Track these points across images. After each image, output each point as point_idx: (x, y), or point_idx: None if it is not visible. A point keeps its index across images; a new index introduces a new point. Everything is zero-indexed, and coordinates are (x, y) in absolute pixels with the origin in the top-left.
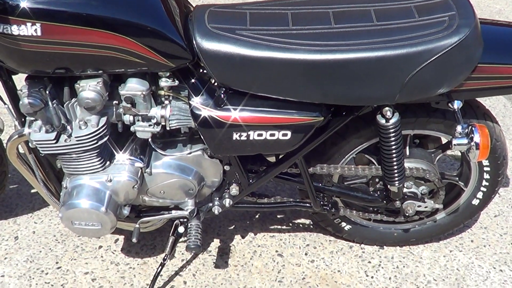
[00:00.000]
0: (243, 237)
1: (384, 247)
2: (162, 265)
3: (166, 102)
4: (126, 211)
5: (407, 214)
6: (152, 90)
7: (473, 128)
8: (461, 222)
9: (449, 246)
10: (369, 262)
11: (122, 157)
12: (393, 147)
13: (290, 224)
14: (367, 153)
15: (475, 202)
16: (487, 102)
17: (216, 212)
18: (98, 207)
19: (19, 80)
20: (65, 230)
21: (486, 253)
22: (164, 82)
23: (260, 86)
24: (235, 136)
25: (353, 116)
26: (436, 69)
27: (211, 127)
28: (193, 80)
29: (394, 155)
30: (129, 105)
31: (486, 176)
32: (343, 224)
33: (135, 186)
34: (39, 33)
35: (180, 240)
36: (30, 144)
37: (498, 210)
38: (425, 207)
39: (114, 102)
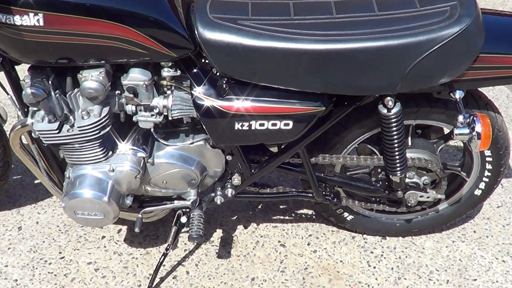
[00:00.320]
0: (245, 227)
1: (387, 237)
2: (165, 255)
3: (168, 92)
4: (128, 201)
5: (409, 205)
6: (154, 80)
7: (474, 118)
8: (463, 213)
9: (452, 236)
10: (372, 252)
11: (125, 147)
12: (395, 137)
13: (293, 215)
14: (369, 143)
15: (478, 192)
16: (490, 93)
17: (218, 202)
18: (100, 197)
19: (23, 71)
20: (68, 221)
21: (488, 243)
22: (166, 72)
23: (262, 76)
24: (237, 126)
25: (355, 106)
26: (438, 59)
27: (213, 117)
28: (195, 70)
29: (396, 145)
30: (131, 95)
31: (488, 166)
32: (346, 214)
33: (138, 176)
34: (41, 23)
35: (183, 230)
36: (33, 134)
37: (500, 200)
38: (427, 197)
39: (117, 92)
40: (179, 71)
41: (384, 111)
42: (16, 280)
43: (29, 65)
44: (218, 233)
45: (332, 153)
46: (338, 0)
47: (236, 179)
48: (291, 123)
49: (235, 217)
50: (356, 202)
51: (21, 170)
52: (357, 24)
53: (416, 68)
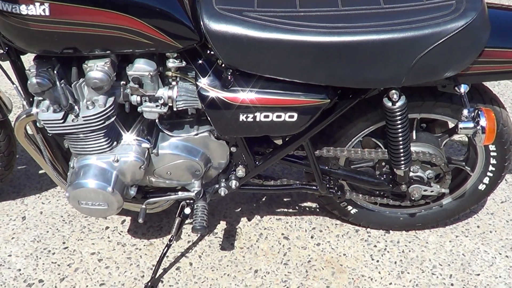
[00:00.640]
0: (249, 219)
1: (390, 231)
2: (168, 246)
3: (173, 83)
4: (132, 191)
5: (413, 198)
6: (159, 71)
7: (479, 112)
8: (467, 207)
9: (455, 231)
10: (375, 246)
11: (129, 138)
12: (400, 130)
13: (297, 207)
14: (374, 137)
15: (482, 187)
16: (495, 88)
17: (222, 193)
18: (105, 187)
19: (28, 61)
20: (72, 211)
21: (492, 238)
22: (172, 63)
23: (267, 67)
24: (242, 117)
25: (359, 98)
26: (443, 52)
27: (218, 108)
28: (200, 61)
29: (400, 138)
30: (136, 86)
31: (493, 161)
32: (349, 207)
33: (142, 166)
34: (47, 13)
35: (186, 221)
36: (37, 124)
37: (505, 196)
38: (431, 191)
39: (122, 82)
40: (184, 62)
41: (389, 104)
42: (20, 270)
43: (35, 54)
44: (221, 225)
45: (336, 146)
46: None
47: (240, 171)
48: (295, 115)
49: (238, 209)
50: (360, 195)
51: (25, 160)
52: (362, 16)
53: (421, 61)
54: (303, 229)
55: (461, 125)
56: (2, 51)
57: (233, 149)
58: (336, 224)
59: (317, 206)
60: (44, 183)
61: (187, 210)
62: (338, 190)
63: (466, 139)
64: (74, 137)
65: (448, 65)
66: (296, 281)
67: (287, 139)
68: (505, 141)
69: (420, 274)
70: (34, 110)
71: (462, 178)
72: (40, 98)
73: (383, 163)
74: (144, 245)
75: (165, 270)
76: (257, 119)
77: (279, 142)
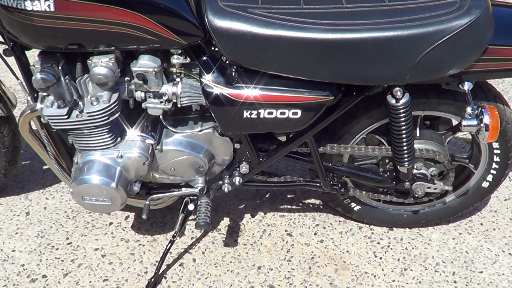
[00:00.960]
0: (253, 216)
1: (393, 228)
2: (172, 242)
3: (178, 79)
4: (136, 187)
5: (416, 196)
6: (163, 67)
7: (483, 110)
8: (470, 205)
9: (459, 228)
10: (378, 243)
11: (133, 134)
12: (403, 127)
13: (300, 204)
14: (377, 134)
15: (485, 185)
16: (499, 86)
17: (226, 190)
18: (108, 183)
19: (33, 57)
20: (76, 207)
21: (495, 236)
22: (176, 60)
23: (271, 64)
24: (246, 114)
25: (363, 95)
26: (447, 50)
27: (222, 104)
28: (204, 58)
29: (404, 135)
30: (140, 82)
31: (496, 158)
32: (353, 204)
33: (146, 162)
34: (52, 9)
35: (190, 217)
36: (42, 120)
37: (508, 193)
38: (435, 188)
39: (126, 78)
40: (188, 59)
41: (393, 101)
42: (23, 265)
43: (39, 50)
44: (225, 221)
45: (340, 143)
46: None
47: (244, 168)
48: (299, 112)
49: (242, 206)
50: (364, 192)
51: (30, 155)
52: (366, 14)
53: (425, 58)
54: (306, 225)
55: (464, 122)
56: (7, 47)
57: (237, 145)
58: (339, 221)
59: (321, 203)
60: (48, 179)
61: (191, 206)
62: (342, 187)
63: (470, 137)
64: (78, 133)
65: (452, 62)
66: (299, 277)
67: (291, 136)
68: (508, 138)
69: (423, 271)
70: (39, 105)
71: (466, 175)
72: (45, 93)
73: (387, 160)
74: (148, 241)
75: (169, 266)
76: (261, 116)
77: (282, 138)
